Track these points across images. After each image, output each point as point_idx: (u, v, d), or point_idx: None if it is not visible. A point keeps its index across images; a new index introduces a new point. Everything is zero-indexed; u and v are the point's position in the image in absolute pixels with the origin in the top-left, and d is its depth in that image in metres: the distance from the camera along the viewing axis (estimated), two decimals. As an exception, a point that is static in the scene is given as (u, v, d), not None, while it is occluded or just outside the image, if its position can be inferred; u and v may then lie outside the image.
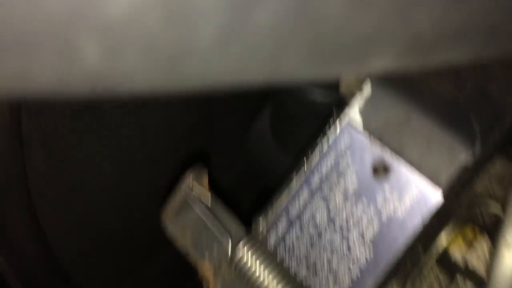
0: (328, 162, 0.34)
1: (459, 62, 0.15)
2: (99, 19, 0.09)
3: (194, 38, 0.10)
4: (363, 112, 0.34)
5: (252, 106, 0.57)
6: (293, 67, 0.12)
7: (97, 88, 0.11)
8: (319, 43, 0.11)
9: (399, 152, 0.32)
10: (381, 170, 0.32)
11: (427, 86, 0.34)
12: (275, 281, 0.33)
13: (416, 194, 0.31)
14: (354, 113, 0.35)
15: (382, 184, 0.32)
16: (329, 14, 0.10)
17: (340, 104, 0.37)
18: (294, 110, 0.47)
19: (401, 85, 0.34)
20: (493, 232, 0.32)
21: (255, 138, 0.54)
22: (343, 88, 0.38)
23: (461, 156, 0.31)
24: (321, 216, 0.33)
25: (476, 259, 0.33)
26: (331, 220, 0.33)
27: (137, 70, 0.10)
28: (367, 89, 0.34)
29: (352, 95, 0.36)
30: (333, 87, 0.43)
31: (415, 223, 0.31)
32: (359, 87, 0.35)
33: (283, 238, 0.34)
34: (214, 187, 0.35)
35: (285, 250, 0.34)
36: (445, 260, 0.34)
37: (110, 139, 0.53)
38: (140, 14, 0.09)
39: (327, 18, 0.11)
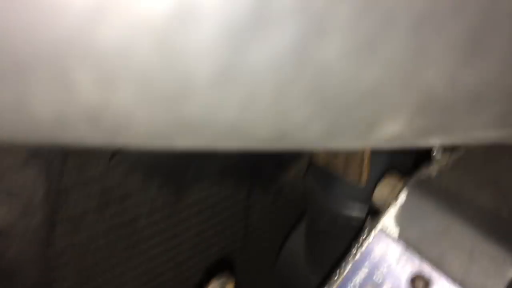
0: (362, 273, 0.32)
1: (484, 136, 0.14)
2: (92, 48, 0.09)
3: (191, 75, 0.10)
4: (399, 222, 0.33)
5: (288, 223, 0.56)
6: (298, 120, 0.11)
7: (95, 126, 0.10)
8: (322, 96, 0.11)
9: (439, 264, 0.30)
10: (420, 283, 0.30)
11: (466, 196, 0.32)
12: None
13: (461, 312, 0.28)
14: (389, 222, 0.33)
15: (422, 300, 0.29)
16: (328, 62, 0.10)
17: (374, 214, 0.35)
18: (328, 225, 0.46)
19: (438, 194, 0.33)
20: None
21: (287, 254, 0.52)
22: (377, 198, 0.37)
23: (508, 270, 0.28)
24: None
25: None
26: None
27: (134, 106, 0.10)
28: (402, 197, 0.33)
29: (386, 205, 0.34)
30: (368, 200, 0.42)
31: None
32: (393, 197, 0.34)
33: None
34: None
35: None
36: None
37: (142, 263, 0.53)
38: (132, 46, 0.09)
39: (327, 66, 0.10)
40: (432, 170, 0.35)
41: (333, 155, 0.44)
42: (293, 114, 0.11)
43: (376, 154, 0.41)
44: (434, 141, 0.13)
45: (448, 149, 0.37)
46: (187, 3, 0.09)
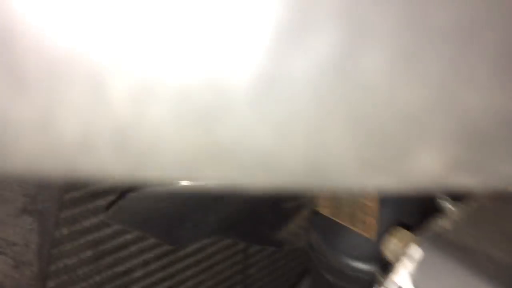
0: (379, 335, 0.30)
1: None
2: (130, 59, 0.09)
3: (229, 87, 0.09)
4: (415, 280, 0.31)
5: (291, 275, 0.54)
6: (334, 149, 0.10)
7: (121, 151, 0.10)
8: (361, 119, 0.10)
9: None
10: None
11: (483, 251, 0.31)
12: None
13: None
14: (404, 281, 0.32)
15: None
16: (368, 76, 0.09)
17: (385, 271, 0.34)
18: (335, 278, 0.44)
19: (455, 250, 0.32)
20: None
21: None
22: (388, 253, 0.36)
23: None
24: None
25: None
26: None
27: (165, 126, 0.09)
28: (416, 254, 0.32)
29: (399, 261, 0.33)
30: (377, 253, 0.41)
31: None
32: (406, 252, 0.33)
33: None
34: None
35: None
36: None
37: None
38: (171, 56, 0.09)
39: (367, 82, 0.09)
40: (445, 224, 0.34)
41: (338, 204, 0.43)
42: (330, 140, 0.10)
43: (384, 204, 0.40)
44: (467, 180, 0.13)
45: (458, 202, 0.36)
46: (229, 20, 0.09)
